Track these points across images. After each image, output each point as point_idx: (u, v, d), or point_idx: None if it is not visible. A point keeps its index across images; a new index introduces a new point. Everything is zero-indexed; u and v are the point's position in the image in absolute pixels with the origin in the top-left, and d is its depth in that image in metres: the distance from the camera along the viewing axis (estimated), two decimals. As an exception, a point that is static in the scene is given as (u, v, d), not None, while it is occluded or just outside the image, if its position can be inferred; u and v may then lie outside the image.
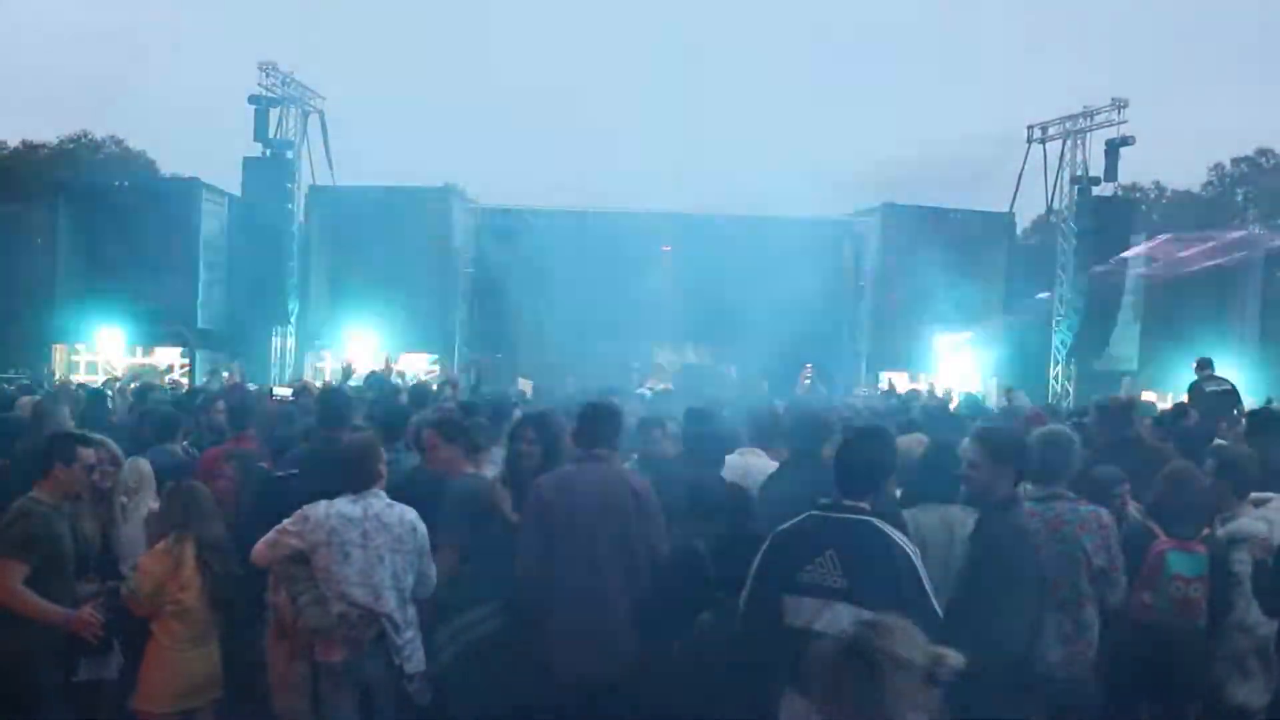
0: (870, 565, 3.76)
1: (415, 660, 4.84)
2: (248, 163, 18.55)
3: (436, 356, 17.84)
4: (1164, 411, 10.00)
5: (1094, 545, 4.54)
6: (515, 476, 5.14)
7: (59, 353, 18.71)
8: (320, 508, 4.74)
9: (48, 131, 40.93)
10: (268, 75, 18.39)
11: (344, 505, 4.75)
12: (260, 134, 18.42)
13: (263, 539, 4.77)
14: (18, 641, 4.52)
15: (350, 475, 4.85)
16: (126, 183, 21.29)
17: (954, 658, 2.25)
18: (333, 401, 6.62)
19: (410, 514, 4.86)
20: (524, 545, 4.76)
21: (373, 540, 4.72)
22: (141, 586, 4.73)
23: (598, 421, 4.99)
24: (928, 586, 3.78)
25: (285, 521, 4.75)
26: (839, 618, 3.70)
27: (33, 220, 20.80)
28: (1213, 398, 10.28)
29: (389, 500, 4.88)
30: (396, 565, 4.76)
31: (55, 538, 4.65)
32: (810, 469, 4.96)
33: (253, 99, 18.29)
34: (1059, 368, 19.59)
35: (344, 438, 6.02)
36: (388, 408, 7.33)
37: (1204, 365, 11.39)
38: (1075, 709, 4.55)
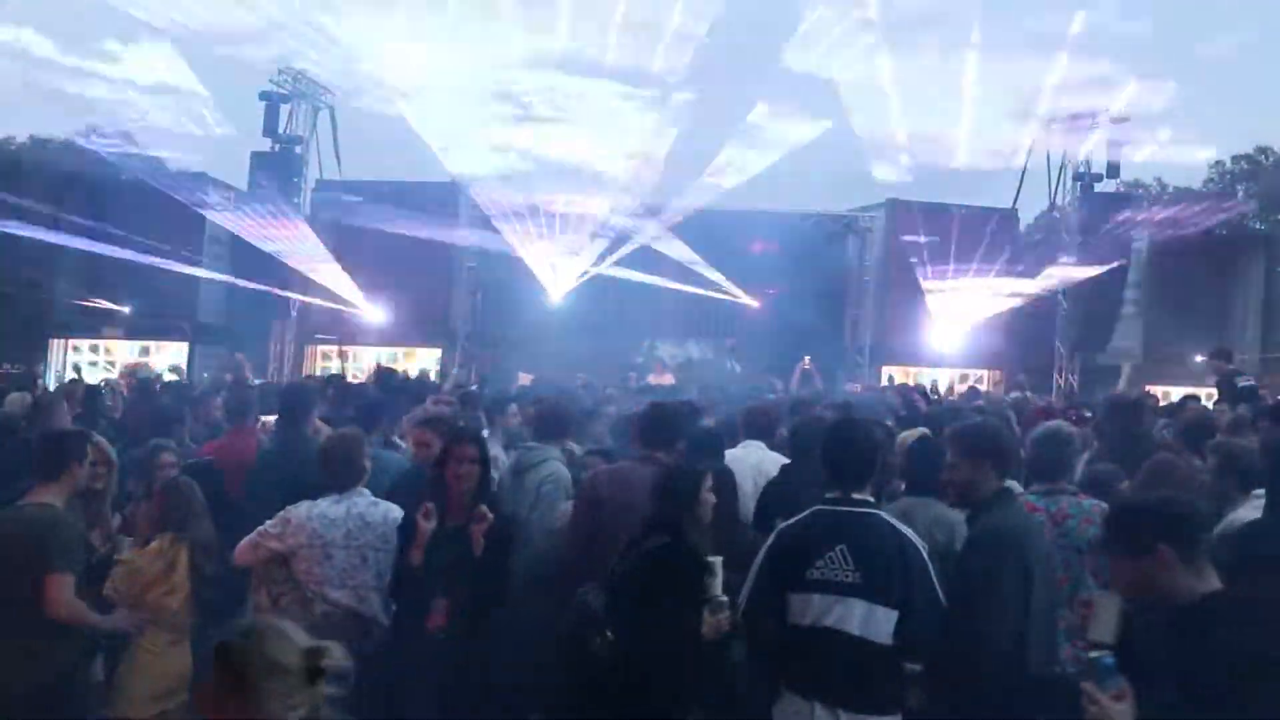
0: (883, 560, 3.74)
1: None
2: (255, 157, 18.54)
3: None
4: (1167, 406, 9.99)
5: (1097, 539, 4.44)
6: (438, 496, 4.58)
7: (56, 347, 18.70)
8: (302, 509, 4.64)
9: (55, 126, 40.74)
10: (279, 71, 18.39)
11: (326, 506, 4.65)
12: (270, 129, 18.43)
13: (245, 540, 4.68)
14: (70, 653, 4.47)
15: (334, 474, 4.73)
16: (133, 177, 21.21)
17: (337, 652, 2.20)
18: (294, 396, 6.45)
19: (395, 511, 4.72)
20: (572, 535, 4.77)
21: (355, 540, 4.62)
22: (130, 587, 4.65)
23: (657, 424, 5.05)
24: (936, 581, 3.76)
25: (266, 523, 4.66)
26: (851, 613, 3.72)
27: (37, 215, 20.72)
28: (1244, 393, 10.31)
29: (373, 498, 4.78)
30: (381, 565, 4.64)
31: (84, 543, 4.61)
32: (813, 469, 4.95)
33: (263, 95, 18.33)
34: (1063, 362, 19.55)
35: (307, 433, 6.02)
36: (364, 400, 7.26)
37: (1229, 356, 11.36)
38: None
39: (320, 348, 19.62)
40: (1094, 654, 2.55)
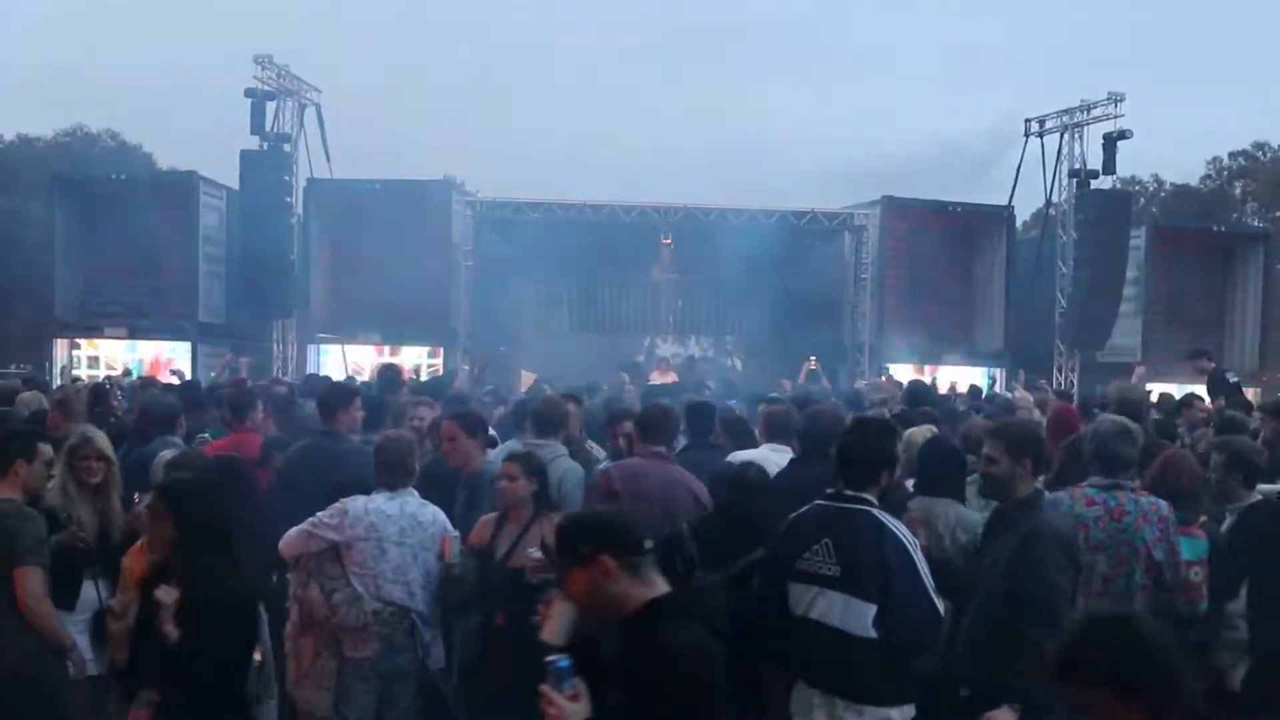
0: (863, 554, 3.82)
1: (436, 655, 4.92)
2: (245, 156, 18.47)
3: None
4: (1172, 402, 10.09)
5: (1154, 538, 4.54)
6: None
7: (60, 347, 18.69)
8: (359, 503, 4.77)
9: (43, 125, 40.88)
10: (263, 68, 18.28)
11: (382, 502, 4.79)
12: (257, 127, 18.31)
13: (295, 530, 4.77)
14: (40, 645, 4.52)
15: (388, 473, 4.89)
16: (124, 176, 21.21)
17: None
18: (332, 396, 6.53)
19: (441, 514, 4.96)
20: None
21: (408, 538, 4.78)
22: (125, 583, 4.68)
23: (657, 421, 5.18)
24: (926, 581, 3.81)
25: (321, 514, 4.76)
26: (832, 605, 3.81)
27: (29, 214, 20.77)
28: (1234, 388, 10.53)
29: (421, 500, 4.94)
30: (429, 564, 4.83)
31: (46, 536, 4.64)
32: (821, 464, 4.98)
33: (249, 92, 18.14)
34: (1062, 359, 19.60)
35: (342, 432, 6.12)
36: (369, 398, 7.28)
37: (1209, 355, 11.59)
38: None
39: (322, 346, 19.61)
40: (550, 658, 2.73)
